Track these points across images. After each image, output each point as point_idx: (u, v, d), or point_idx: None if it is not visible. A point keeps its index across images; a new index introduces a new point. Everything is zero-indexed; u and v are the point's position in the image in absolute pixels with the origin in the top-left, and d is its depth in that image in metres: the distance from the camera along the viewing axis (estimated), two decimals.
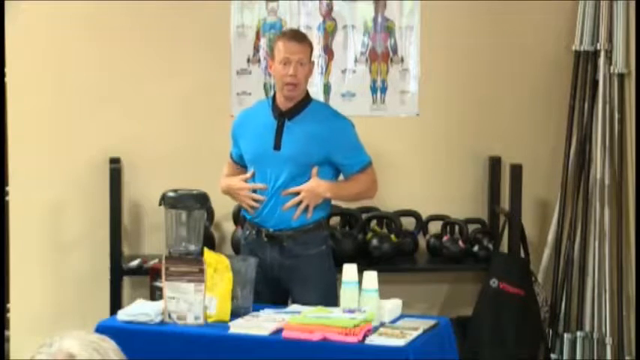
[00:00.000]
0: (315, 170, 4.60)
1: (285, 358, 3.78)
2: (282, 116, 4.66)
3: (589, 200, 5.63)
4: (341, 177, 4.74)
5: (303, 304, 4.32)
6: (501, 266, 5.45)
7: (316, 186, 4.61)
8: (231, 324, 3.92)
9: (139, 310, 4.04)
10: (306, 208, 4.60)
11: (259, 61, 5.64)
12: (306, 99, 4.72)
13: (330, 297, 4.48)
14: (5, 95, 5.50)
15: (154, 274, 4.66)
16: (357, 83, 5.70)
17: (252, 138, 4.71)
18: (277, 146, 4.63)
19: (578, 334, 5.64)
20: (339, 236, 5.45)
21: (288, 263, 4.62)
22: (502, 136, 5.78)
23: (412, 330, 3.84)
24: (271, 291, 4.63)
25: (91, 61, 5.56)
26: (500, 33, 5.74)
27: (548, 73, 5.76)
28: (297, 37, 4.75)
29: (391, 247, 5.50)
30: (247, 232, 4.74)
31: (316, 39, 5.65)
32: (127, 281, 5.50)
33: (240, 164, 4.82)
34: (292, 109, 4.67)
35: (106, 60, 5.57)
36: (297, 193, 4.60)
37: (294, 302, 4.57)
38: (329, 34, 5.66)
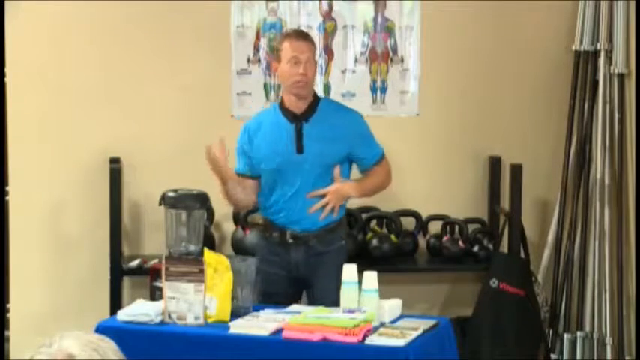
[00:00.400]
0: (337, 171, 4.62)
1: (285, 358, 3.78)
2: (298, 119, 4.66)
3: (589, 200, 5.63)
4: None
5: (325, 296, 4.42)
6: (501, 266, 5.45)
7: (341, 187, 4.63)
8: (231, 324, 3.92)
9: (139, 310, 4.04)
10: (332, 209, 4.63)
11: (259, 61, 5.63)
12: (316, 98, 4.73)
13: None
14: (5, 95, 5.50)
15: (154, 274, 4.67)
16: (357, 83, 5.70)
17: (270, 146, 4.66)
18: (299, 150, 4.63)
19: (578, 334, 5.64)
20: None
21: (312, 261, 4.65)
22: (502, 136, 5.78)
23: (412, 330, 3.84)
24: (294, 289, 4.70)
25: (90, 61, 5.56)
26: (501, 33, 5.75)
27: (548, 73, 5.76)
28: (304, 36, 4.78)
29: (391, 247, 5.50)
30: (267, 234, 4.73)
31: (316, 39, 5.64)
32: (127, 281, 5.50)
33: (248, 176, 4.73)
34: (307, 110, 4.67)
35: (105, 60, 5.57)
36: (323, 195, 4.61)
37: (314, 295, 4.62)
38: (329, 34, 5.66)
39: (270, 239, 4.71)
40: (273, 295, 4.57)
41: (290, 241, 4.66)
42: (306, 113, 4.67)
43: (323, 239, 4.67)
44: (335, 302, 4.13)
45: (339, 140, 4.65)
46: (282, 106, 4.70)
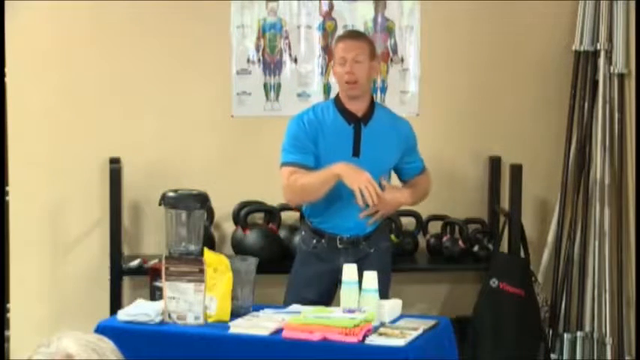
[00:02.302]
0: (385, 182, 4.57)
1: (285, 358, 3.78)
2: (358, 122, 4.64)
3: (589, 200, 5.63)
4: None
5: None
6: (501, 266, 5.45)
7: (394, 196, 4.62)
8: (231, 324, 3.92)
9: (139, 310, 4.04)
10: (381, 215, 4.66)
11: (259, 61, 5.63)
12: (373, 101, 4.73)
13: (385, 288, 4.50)
14: (5, 95, 5.50)
15: (154, 274, 4.67)
16: None
17: (330, 144, 4.61)
18: (356, 153, 4.61)
19: (578, 334, 5.64)
20: None
21: (360, 263, 4.43)
22: (502, 136, 5.78)
23: (412, 330, 3.84)
24: (330, 287, 4.67)
25: (90, 61, 5.56)
26: (500, 33, 5.75)
27: (548, 73, 5.76)
28: (353, 35, 4.83)
29: (391, 247, 5.49)
30: (314, 241, 4.70)
31: (316, 39, 5.66)
32: (127, 281, 5.50)
33: (308, 167, 4.58)
34: (366, 113, 4.65)
35: (105, 60, 5.57)
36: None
37: None
38: (329, 34, 5.65)
39: (318, 245, 4.69)
40: (312, 302, 4.42)
41: (340, 246, 4.66)
42: (365, 116, 4.65)
43: (371, 240, 4.70)
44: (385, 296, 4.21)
45: (393, 146, 4.67)
46: (339, 105, 4.66)
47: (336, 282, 4.61)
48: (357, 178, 4.41)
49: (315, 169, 4.57)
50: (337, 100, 4.69)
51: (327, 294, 4.67)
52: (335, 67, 4.67)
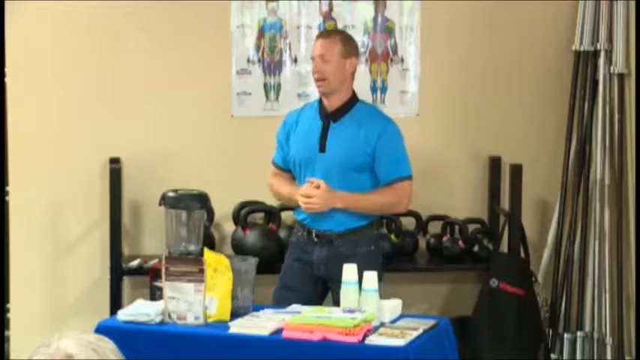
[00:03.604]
0: (318, 182, 4.55)
1: (285, 358, 3.78)
2: (328, 118, 4.67)
3: (589, 200, 5.63)
4: None
5: None
6: (501, 266, 5.45)
7: (330, 193, 4.55)
8: (231, 324, 3.92)
9: (139, 310, 4.04)
10: (311, 208, 4.61)
11: (259, 61, 5.63)
12: (352, 100, 4.71)
13: None
14: (5, 95, 5.50)
15: (154, 274, 4.66)
16: (357, 83, 5.67)
17: (300, 139, 4.72)
18: (322, 148, 4.64)
19: (578, 334, 5.64)
20: None
21: (335, 262, 4.48)
22: (502, 136, 5.78)
23: (412, 330, 3.84)
24: (314, 289, 4.71)
25: (90, 61, 5.56)
26: (500, 33, 5.75)
27: (548, 73, 5.76)
28: (324, 34, 4.87)
29: (391, 247, 5.50)
30: (299, 234, 4.78)
31: None
32: (127, 281, 5.50)
33: (285, 169, 4.82)
34: (338, 110, 4.67)
35: (105, 60, 5.57)
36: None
37: (334, 299, 4.58)
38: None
39: (300, 238, 4.75)
40: (291, 289, 4.65)
41: (315, 240, 4.69)
42: (336, 113, 4.67)
43: (347, 241, 4.65)
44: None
45: (364, 146, 4.60)
46: (320, 102, 4.75)
47: (314, 277, 4.67)
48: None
49: (289, 168, 4.78)
50: (320, 98, 4.77)
51: (305, 286, 4.69)
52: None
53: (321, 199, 4.54)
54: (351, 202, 4.60)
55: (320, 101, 4.75)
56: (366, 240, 4.68)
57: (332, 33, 4.93)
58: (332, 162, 4.60)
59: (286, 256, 4.87)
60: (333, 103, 4.68)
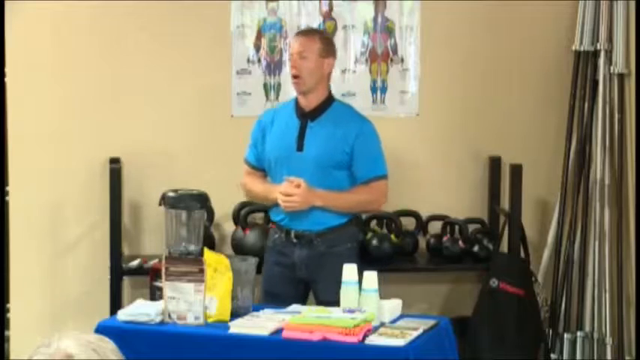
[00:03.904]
0: (298, 181, 4.58)
1: (285, 358, 3.78)
2: (305, 117, 4.68)
3: (589, 200, 5.63)
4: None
5: (327, 300, 4.36)
6: (501, 266, 5.44)
7: (310, 192, 4.58)
8: (231, 324, 3.92)
9: (139, 310, 4.04)
10: (291, 207, 4.62)
11: (259, 61, 5.63)
12: (329, 99, 4.73)
13: None
14: (5, 95, 5.50)
15: (154, 274, 4.66)
16: (357, 83, 5.70)
17: (276, 138, 4.73)
18: (300, 147, 4.65)
19: (578, 334, 5.64)
20: None
21: (315, 261, 4.66)
22: (502, 136, 5.78)
23: (412, 330, 3.84)
24: (296, 291, 4.71)
25: (91, 61, 5.56)
26: (500, 33, 5.75)
27: (548, 73, 5.76)
28: (303, 31, 4.89)
29: (391, 247, 5.50)
30: (276, 235, 4.77)
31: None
32: (127, 281, 5.50)
33: (258, 168, 4.84)
34: (315, 109, 4.69)
35: (105, 60, 5.57)
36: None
37: (316, 298, 4.64)
38: (329, 34, 5.65)
39: (277, 240, 4.74)
40: (276, 296, 4.60)
41: (294, 240, 4.68)
42: (314, 112, 4.69)
43: (326, 239, 4.67)
44: (338, 304, 4.15)
45: (341, 145, 4.64)
46: (296, 100, 4.76)
47: (296, 279, 4.68)
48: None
49: (262, 167, 4.81)
50: (296, 97, 4.78)
51: (288, 290, 4.68)
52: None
53: (302, 198, 4.57)
54: (330, 200, 4.63)
55: (296, 101, 4.76)
56: (345, 238, 4.73)
57: (312, 31, 4.96)
58: (309, 160, 4.63)
59: (265, 261, 4.83)
60: (310, 102, 4.70)
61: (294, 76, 4.67)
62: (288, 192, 4.57)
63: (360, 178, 4.68)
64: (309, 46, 4.67)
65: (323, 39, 4.77)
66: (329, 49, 4.75)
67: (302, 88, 4.68)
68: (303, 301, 4.70)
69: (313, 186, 4.59)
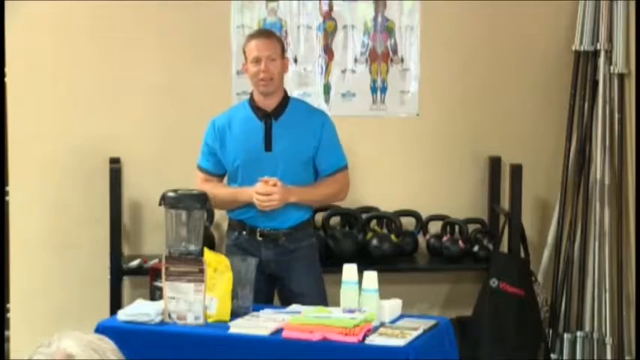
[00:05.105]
0: (273, 180, 4.61)
1: (285, 358, 3.78)
2: (268, 117, 4.72)
3: (589, 200, 5.63)
4: None
5: (301, 292, 4.59)
6: (501, 266, 5.45)
7: (286, 189, 4.64)
8: (231, 324, 3.92)
9: (139, 310, 4.04)
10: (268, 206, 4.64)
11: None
12: (287, 97, 4.81)
13: (320, 282, 4.77)
14: (5, 95, 5.50)
15: (154, 274, 4.66)
16: (357, 83, 5.70)
17: (241, 142, 4.75)
18: (268, 147, 4.69)
19: (578, 334, 5.64)
20: (339, 236, 5.46)
21: (284, 258, 4.75)
22: (502, 136, 5.78)
23: (412, 330, 3.84)
24: (269, 287, 4.78)
25: (90, 61, 5.56)
26: (500, 33, 5.75)
27: (548, 73, 5.76)
28: (265, 34, 4.89)
29: (391, 247, 5.50)
30: (237, 233, 4.81)
31: (316, 39, 5.66)
32: (127, 281, 5.50)
33: (215, 174, 4.84)
34: (277, 108, 4.75)
35: (105, 60, 5.57)
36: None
37: (290, 290, 4.72)
38: (329, 34, 5.66)
39: (240, 238, 4.78)
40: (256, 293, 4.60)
41: (260, 239, 4.73)
42: (276, 111, 4.75)
43: (292, 237, 4.75)
44: (313, 295, 4.43)
45: (307, 139, 4.72)
46: (252, 103, 4.78)
47: (265, 275, 4.67)
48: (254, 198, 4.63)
49: (220, 173, 4.81)
50: (251, 99, 4.80)
51: (259, 285, 4.64)
52: (247, 66, 4.76)
53: (280, 196, 4.62)
54: (303, 195, 4.73)
55: (250, 103, 4.78)
56: (308, 233, 4.83)
57: (270, 33, 4.95)
58: (279, 159, 4.69)
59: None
60: (271, 102, 4.75)
61: (266, 79, 4.69)
62: (267, 191, 4.61)
63: (325, 171, 4.78)
64: (274, 47, 4.74)
65: (279, 39, 4.86)
66: (284, 49, 4.85)
67: (270, 90, 4.73)
68: (272, 296, 4.82)
69: (285, 183, 4.65)
